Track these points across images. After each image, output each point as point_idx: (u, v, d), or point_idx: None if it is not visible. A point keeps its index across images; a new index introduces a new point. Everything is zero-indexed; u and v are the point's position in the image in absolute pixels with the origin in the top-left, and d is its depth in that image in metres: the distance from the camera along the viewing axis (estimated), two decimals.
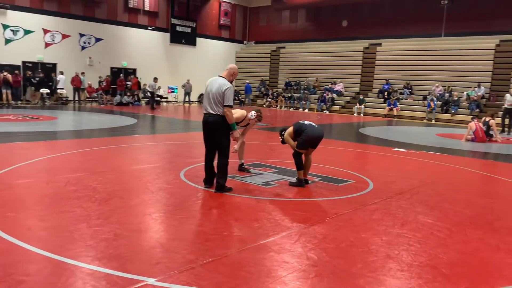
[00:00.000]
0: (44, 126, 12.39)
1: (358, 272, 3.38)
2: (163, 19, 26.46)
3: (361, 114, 22.40)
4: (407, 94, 22.69)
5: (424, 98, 21.61)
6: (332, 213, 4.88)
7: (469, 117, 18.35)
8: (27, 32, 20.84)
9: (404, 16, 24.16)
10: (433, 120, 20.44)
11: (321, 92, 25.02)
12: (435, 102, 20.72)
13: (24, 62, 20.93)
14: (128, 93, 22.63)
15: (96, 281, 3.02)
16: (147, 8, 25.30)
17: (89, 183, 5.71)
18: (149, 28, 25.68)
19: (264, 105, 26.22)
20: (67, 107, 19.88)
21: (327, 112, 23.68)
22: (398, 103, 21.93)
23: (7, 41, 20.35)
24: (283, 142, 6.46)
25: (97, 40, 23.36)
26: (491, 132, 13.02)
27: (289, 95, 25.88)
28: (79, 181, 5.82)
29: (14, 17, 20.38)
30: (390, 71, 23.95)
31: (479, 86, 20.62)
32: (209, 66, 28.49)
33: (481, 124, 12.88)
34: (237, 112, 6.56)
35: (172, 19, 26.64)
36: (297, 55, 28.13)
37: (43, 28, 21.33)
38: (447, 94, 21.05)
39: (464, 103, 20.61)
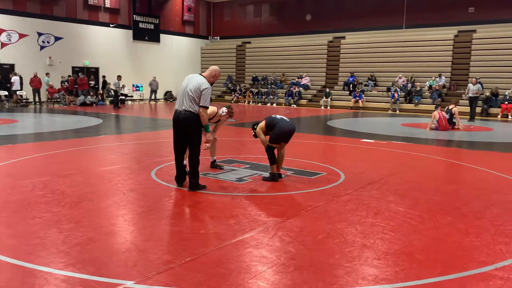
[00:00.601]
0: (4, 129, 11.90)
1: (336, 262, 3.42)
2: (125, 16, 25.89)
3: (328, 107, 22.70)
4: (372, 86, 23.16)
5: (388, 89, 22.11)
6: (307, 206, 4.92)
7: (432, 107, 18.97)
8: None
9: (366, 9, 24.60)
10: (398, 111, 20.95)
11: (288, 87, 25.17)
12: (399, 93, 21.24)
13: None
14: (91, 93, 22.05)
15: (71, 287, 2.92)
16: (107, 5, 24.66)
17: (57, 187, 5.53)
18: (111, 25, 25.07)
19: (232, 101, 26.15)
20: (28, 109, 19.17)
21: (294, 106, 23.86)
22: (363, 95, 22.34)
23: None
24: (255, 136, 6.46)
25: (57, 39, 22.60)
26: (454, 120, 13.47)
27: (257, 90, 25.91)
28: (46, 185, 5.62)
29: None
30: (355, 63, 24.36)
31: (440, 76, 21.29)
32: (174, 62, 28.17)
33: (444, 113, 13.29)
34: (208, 109, 6.48)
35: (134, 15, 26.11)
36: (263, 50, 28.18)
37: None
38: (409, 85, 21.62)
39: (426, 93, 21.23)
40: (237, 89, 26.86)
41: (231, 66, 29.43)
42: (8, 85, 20.47)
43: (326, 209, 4.83)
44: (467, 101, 17.15)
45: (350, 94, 23.02)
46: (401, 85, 21.95)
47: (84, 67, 23.89)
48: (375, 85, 23.27)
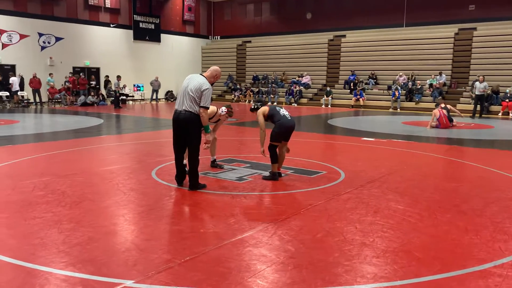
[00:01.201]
0: (5, 130, 11.93)
1: (335, 261, 3.43)
2: (126, 16, 25.90)
3: (329, 106, 22.69)
4: (372, 84, 23.13)
5: (389, 88, 22.10)
6: (307, 205, 4.93)
7: (432, 105, 18.94)
8: None
9: (367, 7, 24.56)
10: (398, 109, 20.94)
11: (288, 85, 25.17)
12: (400, 91, 21.22)
13: None
14: (92, 93, 22.09)
15: (72, 287, 2.94)
16: (108, 5, 24.67)
17: (57, 187, 5.55)
18: (111, 25, 25.08)
19: (233, 100, 26.16)
20: (29, 109, 19.22)
21: (295, 105, 23.86)
22: (364, 94, 22.33)
23: None
24: (253, 110, 6.46)
25: (58, 39, 22.63)
26: (452, 117, 13.48)
27: (257, 89, 25.91)
28: (47, 185, 5.64)
29: None
30: (355, 62, 24.33)
31: (440, 74, 21.27)
32: (175, 62, 28.18)
33: (445, 111, 13.28)
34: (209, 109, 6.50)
35: (134, 15, 26.11)
36: (263, 49, 28.17)
37: None
38: (410, 83, 21.60)
39: (427, 91, 21.21)
40: (239, 88, 26.85)
41: (232, 65, 29.43)
42: (9, 86, 20.51)
43: (326, 207, 4.84)
44: (469, 98, 17.25)
45: (351, 93, 23.00)
46: (402, 83, 21.93)
47: (85, 67, 23.92)
48: (376, 83, 23.25)
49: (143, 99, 25.98)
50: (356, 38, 24.80)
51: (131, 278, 3.07)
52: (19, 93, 20.25)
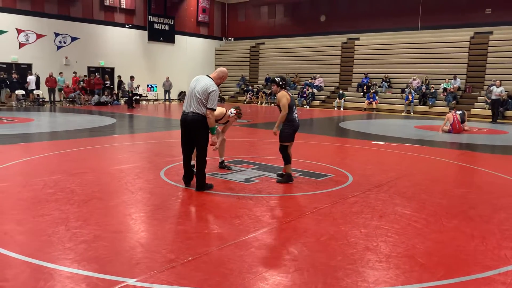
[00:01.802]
0: (20, 128, 12.15)
1: (338, 264, 3.43)
2: (140, 17, 26.16)
3: (341, 108, 22.60)
4: (386, 88, 22.98)
5: (402, 91, 21.92)
6: (312, 208, 4.93)
7: (446, 109, 18.72)
8: (0, 32, 20.36)
9: (381, 10, 24.43)
10: (412, 113, 20.76)
11: (301, 87, 25.14)
12: (413, 95, 21.04)
13: None
14: (106, 93, 22.35)
15: (75, 284, 3.00)
16: (123, 6, 24.97)
17: (67, 185, 5.64)
18: (126, 26, 25.37)
19: (245, 102, 26.22)
20: (44, 108, 19.52)
21: (307, 107, 23.82)
22: (377, 97, 22.19)
23: None
24: (279, 85, 6.06)
25: (73, 39, 22.96)
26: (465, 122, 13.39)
27: (269, 91, 25.91)
28: (57, 183, 5.74)
29: None
30: (369, 65, 24.21)
31: (455, 78, 21.03)
32: (188, 63, 28.36)
33: (458, 116, 13.13)
34: (217, 110, 6.54)
35: (149, 16, 26.37)
36: (276, 51, 28.19)
37: (16, 28, 20.86)
38: (424, 87, 21.40)
39: (441, 95, 20.98)
40: (251, 89, 26.90)
41: (245, 67, 29.51)
42: (26, 84, 20.89)
43: (331, 211, 4.84)
44: (484, 103, 17.12)
45: (363, 96, 22.88)
46: (416, 87, 21.74)
47: (99, 67, 24.22)
48: (389, 86, 23.09)
49: (156, 99, 26.19)
50: (370, 41, 24.67)
51: (134, 276, 3.11)
52: (35, 91, 20.60)
